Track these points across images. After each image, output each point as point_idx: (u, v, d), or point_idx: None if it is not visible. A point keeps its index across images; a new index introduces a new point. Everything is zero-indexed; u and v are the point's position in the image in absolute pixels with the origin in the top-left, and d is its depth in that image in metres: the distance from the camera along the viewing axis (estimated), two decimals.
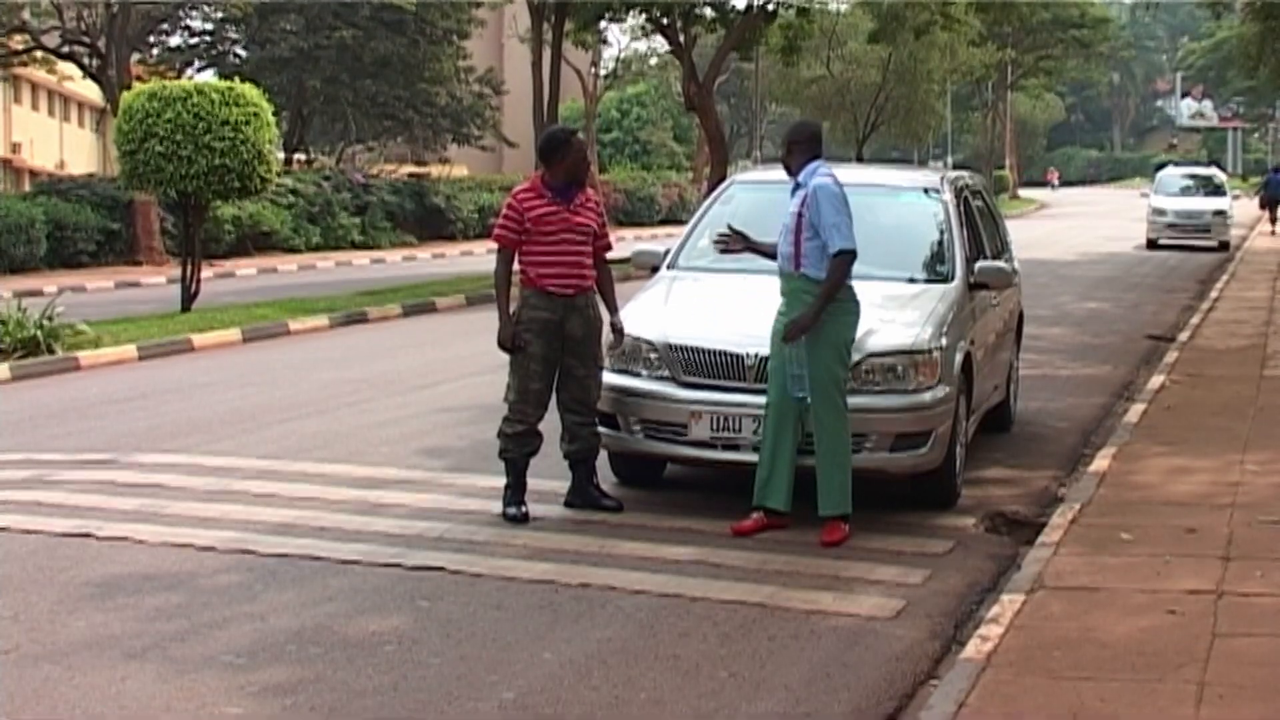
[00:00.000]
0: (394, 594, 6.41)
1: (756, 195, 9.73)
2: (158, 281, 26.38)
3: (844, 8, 46.57)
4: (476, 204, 41.00)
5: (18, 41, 34.82)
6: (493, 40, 57.33)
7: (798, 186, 7.46)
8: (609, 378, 7.90)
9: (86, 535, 7.33)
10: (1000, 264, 9.34)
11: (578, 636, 5.86)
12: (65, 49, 33.56)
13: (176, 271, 21.07)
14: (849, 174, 9.86)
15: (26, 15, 33.38)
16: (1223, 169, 45.93)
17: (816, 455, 7.27)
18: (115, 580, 6.61)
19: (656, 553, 7.03)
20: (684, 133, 63.77)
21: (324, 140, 50.71)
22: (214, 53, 44.01)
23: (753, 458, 7.56)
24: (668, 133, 64.79)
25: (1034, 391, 11.81)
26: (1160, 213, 33.91)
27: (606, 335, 7.92)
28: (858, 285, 8.39)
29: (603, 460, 8.13)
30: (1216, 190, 35.08)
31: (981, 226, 9.69)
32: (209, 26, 43.77)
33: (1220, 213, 33.46)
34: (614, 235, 8.37)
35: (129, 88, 21.64)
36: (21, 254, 27.58)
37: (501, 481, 8.00)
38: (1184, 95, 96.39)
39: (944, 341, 7.81)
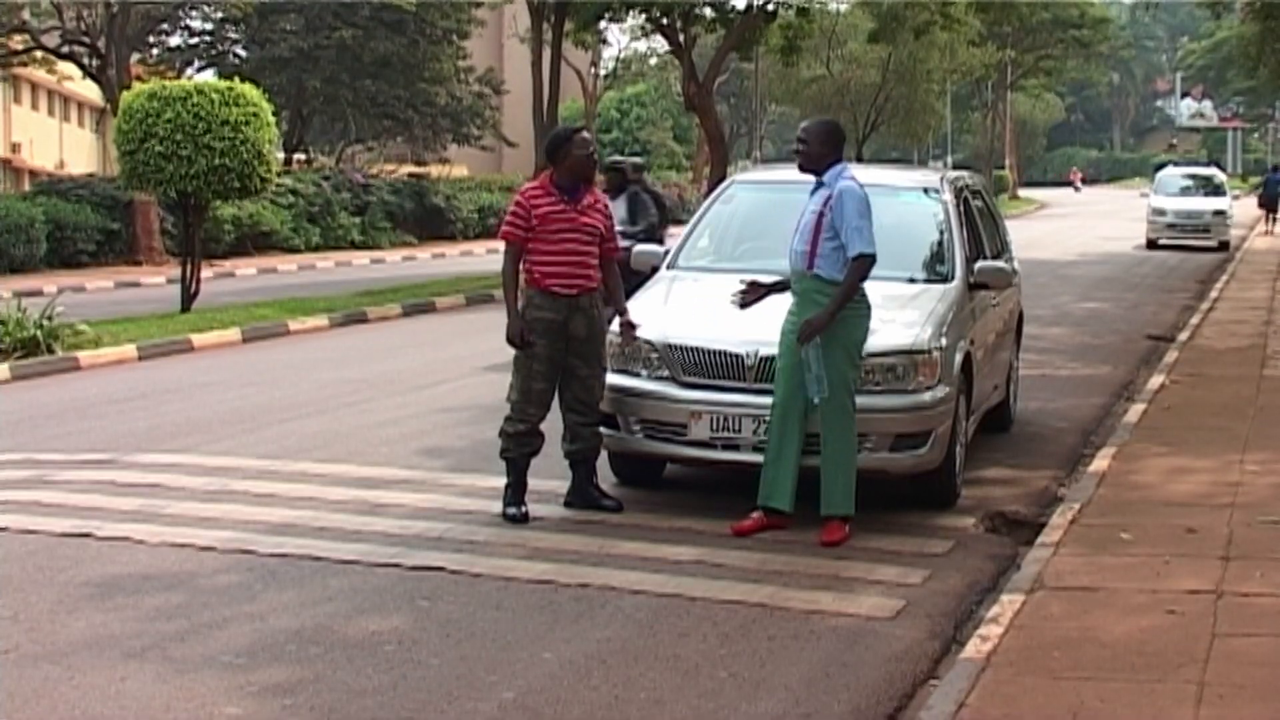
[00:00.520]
0: (394, 594, 6.41)
1: (756, 195, 9.74)
2: (157, 281, 26.37)
3: (844, 8, 46.58)
4: (476, 204, 41.01)
5: (17, 41, 34.80)
6: (493, 40, 57.30)
7: (819, 186, 7.42)
8: (609, 378, 7.90)
9: (86, 535, 7.33)
10: (1000, 264, 9.34)
11: (577, 636, 5.86)
12: (65, 49, 33.54)
13: (176, 271, 21.07)
14: None
15: (26, 15, 33.37)
16: (1222, 169, 45.92)
17: (822, 456, 7.27)
18: (115, 580, 6.61)
19: (656, 553, 7.03)
20: (684, 133, 63.76)
21: (324, 140, 50.70)
22: (214, 53, 44.00)
23: (752, 458, 7.56)
24: (668, 133, 64.78)
25: (1034, 391, 11.81)
26: (1160, 213, 33.92)
27: (611, 335, 7.90)
28: None
29: (603, 460, 8.13)
30: (1216, 190, 35.09)
31: (981, 226, 9.69)
32: (209, 26, 43.75)
33: (1220, 213, 33.47)
34: None
35: (129, 88, 21.64)
36: (21, 254, 27.58)
37: (501, 481, 8.00)
38: (1184, 95, 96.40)
39: (944, 341, 7.81)
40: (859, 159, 43.70)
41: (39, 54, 35.13)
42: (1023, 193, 74.12)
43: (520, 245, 7.70)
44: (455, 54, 45.02)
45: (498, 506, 7.79)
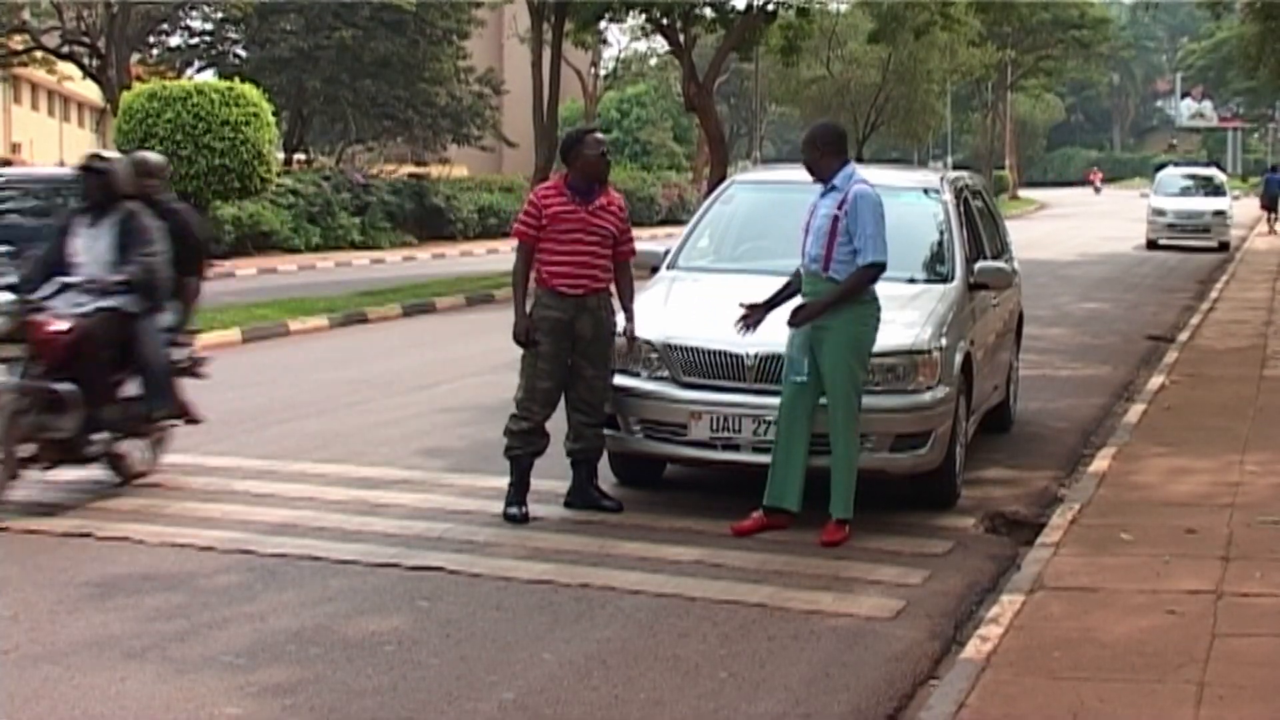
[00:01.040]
0: (393, 594, 6.41)
1: (756, 195, 9.74)
2: None
3: (844, 8, 46.62)
4: (476, 204, 41.01)
5: (18, 42, 34.86)
6: (493, 40, 57.30)
7: (831, 189, 7.40)
8: None
9: (86, 535, 7.33)
10: (1000, 264, 9.34)
11: (577, 637, 5.86)
12: (65, 49, 33.60)
13: None
14: None
15: (26, 15, 33.41)
16: (1222, 169, 45.89)
17: (832, 457, 7.26)
18: (115, 580, 6.61)
19: (656, 553, 7.03)
20: (684, 133, 63.73)
21: (324, 140, 50.71)
22: (214, 53, 43.99)
23: (752, 458, 7.56)
24: (667, 133, 64.75)
25: (1034, 392, 11.81)
26: (1160, 213, 33.92)
27: (619, 338, 7.90)
28: None
29: (602, 460, 8.13)
30: (1216, 191, 35.09)
31: (981, 227, 9.69)
32: (209, 27, 43.77)
33: (1220, 213, 33.47)
34: None
35: (129, 88, 21.69)
36: None
37: (501, 481, 8.00)
38: (1184, 96, 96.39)
39: (944, 342, 7.81)
40: (859, 159, 43.66)
41: (39, 54, 35.20)
42: (1033, 193, 74.12)
43: (532, 244, 7.72)
44: (455, 54, 45.03)
45: (498, 507, 7.79)
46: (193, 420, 8.74)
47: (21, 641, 5.75)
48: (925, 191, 9.24)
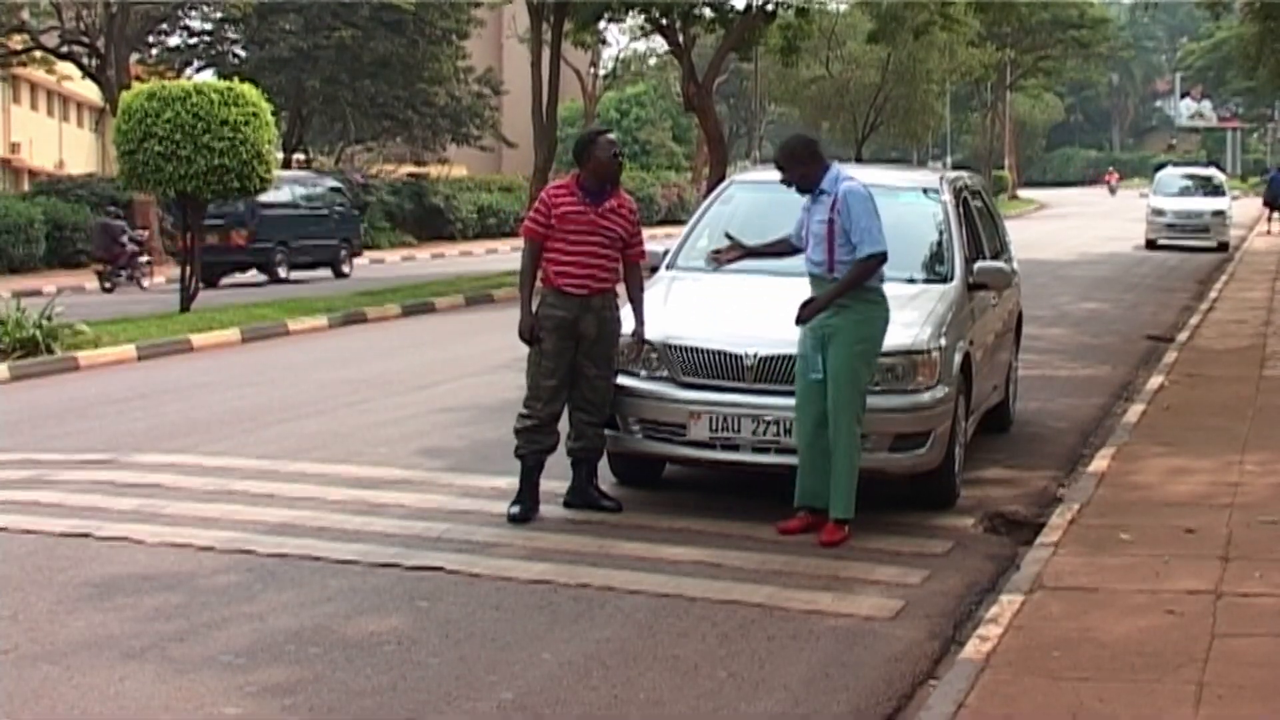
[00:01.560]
0: (393, 594, 6.41)
1: (756, 195, 9.73)
2: (157, 281, 26.37)
3: (843, 8, 46.61)
4: (475, 204, 41.07)
5: (17, 41, 34.84)
6: (492, 40, 57.33)
7: (821, 193, 7.40)
8: None
9: (85, 535, 7.33)
10: (999, 264, 9.34)
11: (577, 637, 5.86)
12: (64, 49, 33.59)
13: (175, 271, 21.08)
14: (849, 174, 9.85)
15: (26, 15, 33.39)
16: (1222, 169, 45.92)
17: (833, 457, 7.25)
18: (114, 580, 6.61)
19: (655, 553, 7.03)
20: (683, 133, 63.78)
21: (323, 140, 50.71)
22: (213, 53, 44.01)
23: (752, 458, 7.57)
24: (667, 133, 64.80)
25: (1033, 392, 11.81)
26: (1159, 213, 33.91)
27: (624, 340, 7.89)
28: None
29: (602, 460, 8.13)
30: (1215, 191, 35.08)
31: (980, 227, 9.69)
32: (208, 26, 43.78)
33: (1219, 213, 33.46)
34: None
35: (128, 87, 21.66)
36: (20, 254, 27.61)
37: (500, 481, 8.02)
38: (1183, 96, 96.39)
39: (943, 342, 7.81)
40: (859, 159, 43.71)
41: (38, 54, 35.18)
42: (1036, 193, 74.07)
43: (540, 242, 7.71)
44: (455, 54, 45.05)
45: (497, 507, 7.79)
46: None
47: (21, 641, 5.75)
48: (924, 191, 9.24)
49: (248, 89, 18.54)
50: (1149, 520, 7.41)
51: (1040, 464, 9.43)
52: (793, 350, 7.55)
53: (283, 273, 27.10)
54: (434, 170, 47.00)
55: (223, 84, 18.76)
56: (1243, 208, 42.91)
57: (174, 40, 43.60)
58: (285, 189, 27.27)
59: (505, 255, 29.65)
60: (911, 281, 8.48)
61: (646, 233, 8.76)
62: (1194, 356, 13.89)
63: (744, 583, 6.58)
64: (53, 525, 7.51)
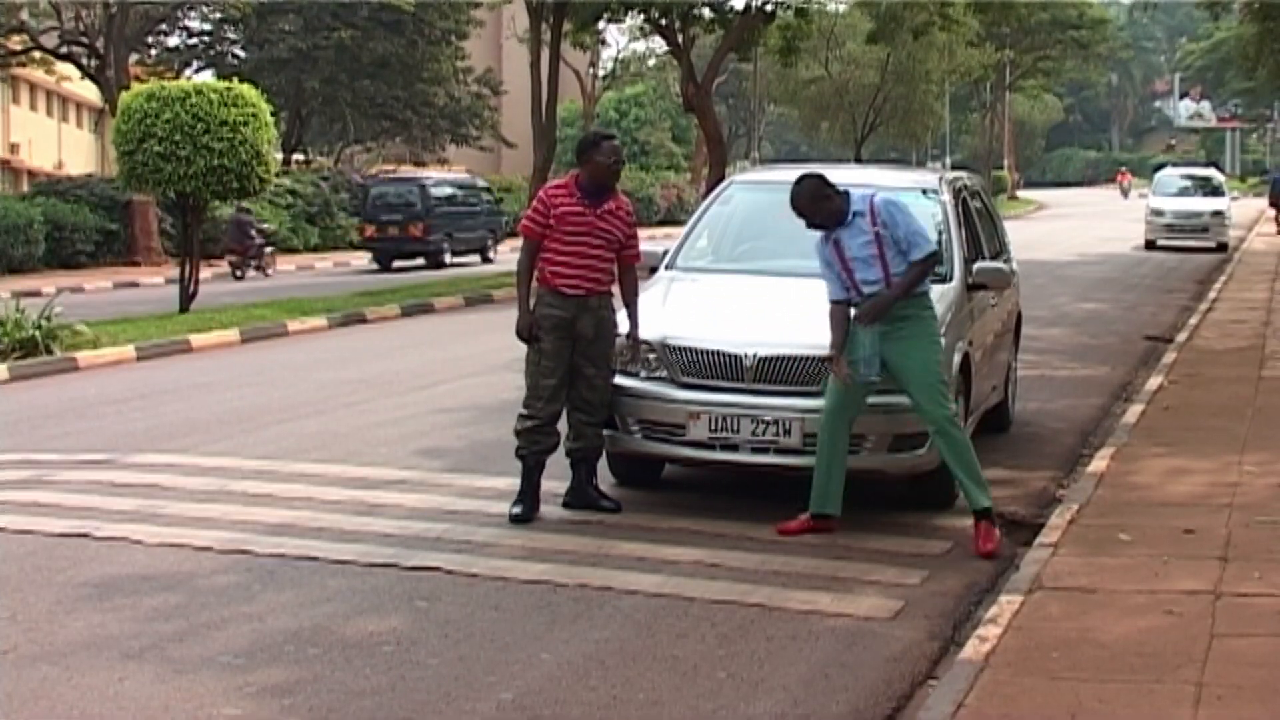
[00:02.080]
0: (392, 594, 6.41)
1: (755, 195, 9.73)
2: (156, 282, 26.40)
3: (842, 8, 46.60)
4: None
5: (16, 42, 34.83)
6: (491, 41, 57.32)
7: (856, 215, 7.31)
8: None
9: (84, 536, 7.33)
10: (998, 265, 9.34)
11: (576, 637, 5.86)
12: (63, 49, 33.57)
13: (175, 272, 21.10)
14: (847, 175, 9.86)
15: (25, 15, 33.37)
16: (1221, 170, 45.92)
17: (946, 456, 7.24)
18: (113, 581, 6.61)
19: (655, 553, 7.02)
20: (682, 133, 63.78)
21: (322, 141, 50.74)
22: (212, 53, 44.04)
23: (750, 458, 7.57)
24: (666, 133, 64.79)
25: (1032, 392, 11.81)
26: (1158, 213, 33.91)
27: (620, 341, 7.90)
28: None
29: (601, 461, 8.13)
30: (1215, 191, 35.08)
31: (980, 227, 9.68)
32: (207, 27, 43.82)
33: (1218, 213, 33.46)
34: None
35: (127, 88, 21.66)
36: (20, 254, 27.59)
37: (499, 481, 8.03)
38: (1182, 96, 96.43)
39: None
40: (858, 159, 43.74)
41: (37, 54, 35.16)
42: (1038, 194, 74.07)
43: (538, 241, 7.72)
44: (454, 54, 45.08)
45: (496, 507, 7.79)
46: None
47: (20, 642, 5.75)
48: (923, 192, 9.23)
49: (247, 89, 18.54)
50: (1148, 521, 7.41)
51: (1039, 464, 9.43)
52: (792, 351, 7.56)
53: (447, 259, 30.59)
54: (433, 170, 46.99)
55: (222, 84, 18.76)
56: (1242, 208, 42.92)
57: (173, 41, 43.66)
58: (448, 188, 32.39)
59: (505, 255, 29.67)
60: None
61: (645, 233, 8.75)
62: (1193, 357, 13.89)
63: (743, 583, 6.58)
64: (52, 525, 7.51)
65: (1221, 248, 32.49)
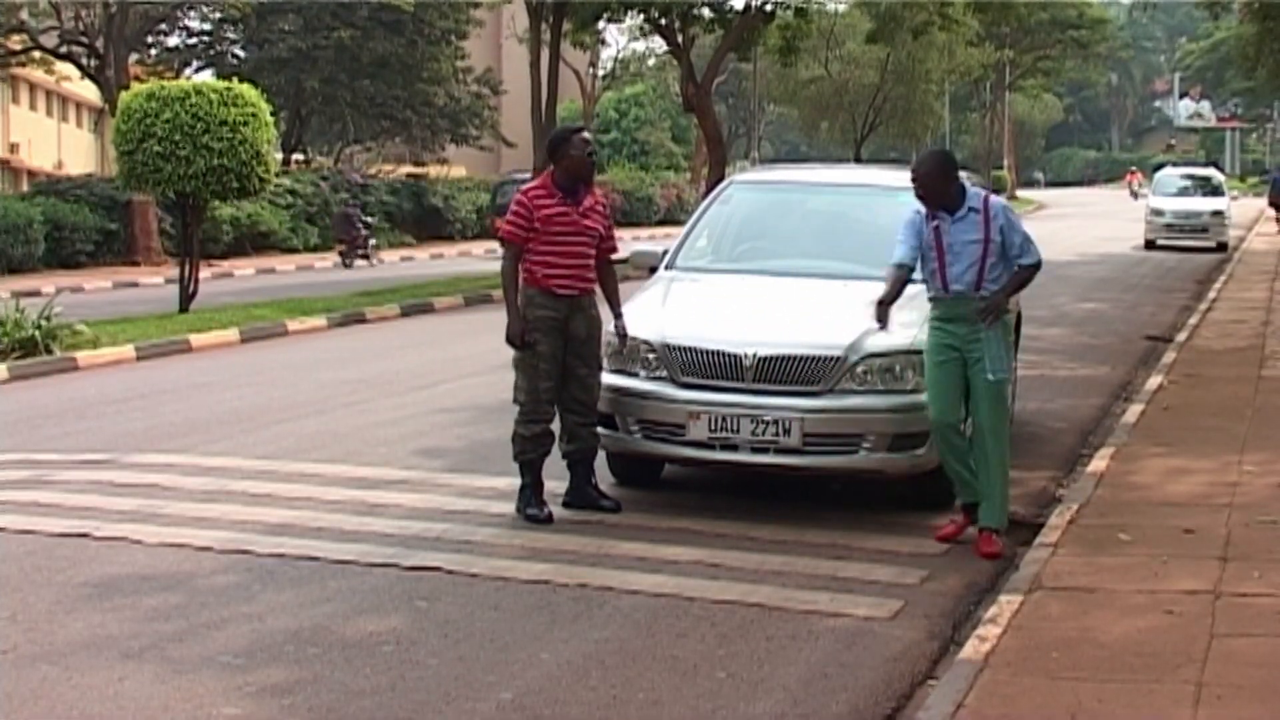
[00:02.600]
0: (392, 594, 6.41)
1: (755, 196, 9.74)
2: (156, 282, 26.39)
3: (842, 8, 46.59)
4: (474, 204, 41.04)
5: (15, 41, 34.82)
6: (491, 40, 57.32)
7: (970, 211, 7.26)
8: (607, 378, 7.91)
9: (84, 535, 7.33)
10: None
11: (575, 637, 5.86)
12: (63, 49, 33.56)
13: (174, 272, 21.09)
14: (847, 175, 9.89)
15: (24, 15, 33.36)
16: (1221, 170, 45.91)
17: (982, 461, 7.21)
18: (113, 580, 6.61)
19: (654, 553, 7.03)
20: (682, 133, 63.77)
21: (322, 140, 50.74)
22: (212, 53, 44.03)
23: (750, 458, 7.56)
24: (666, 133, 64.79)
25: (1032, 392, 11.81)
26: (1158, 213, 33.90)
27: (608, 336, 7.92)
28: (855, 285, 8.40)
29: (601, 461, 8.13)
30: (1214, 191, 35.06)
31: None
32: (207, 27, 43.81)
33: (1218, 213, 33.44)
34: None
35: (127, 88, 21.67)
36: (20, 254, 27.59)
37: (499, 481, 8.01)
38: (1182, 96, 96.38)
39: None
40: (857, 159, 43.73)
41: (37, 54, 35.15)
42: (1039, 194, 74.06)
43: (521, 245, 7.69)
44: (453, 54, 45.07)
45: (496, 507, 7.79)
46: None
47: (19, 642, 5.75)
48: None
49: (247, 89, 18.54)
50: (1148, 520, 7.41)
51: (1039, 464, 9.42)
52: (792, 351, 7.55)
53: None
54: (433, 170, 47.01)
55: (222, 84, 18.76)
56: (1241, 208, 42.90)
57: (173, 40, 43.65)
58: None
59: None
60: (911, 282, 8.47)
61: (645, 232, 8.70)
62: (1193, 357, 13.89)
63: (742, 583, 6.58)
64: (51, 525, 7.51)
65: (1221, 247, 32.48)
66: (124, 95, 19.04)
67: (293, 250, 34.30)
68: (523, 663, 5.54)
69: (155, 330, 16.35)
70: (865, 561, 6.97)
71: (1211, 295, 20.61)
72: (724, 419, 7.56)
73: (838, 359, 7.53)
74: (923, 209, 7.27)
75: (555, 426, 7.81)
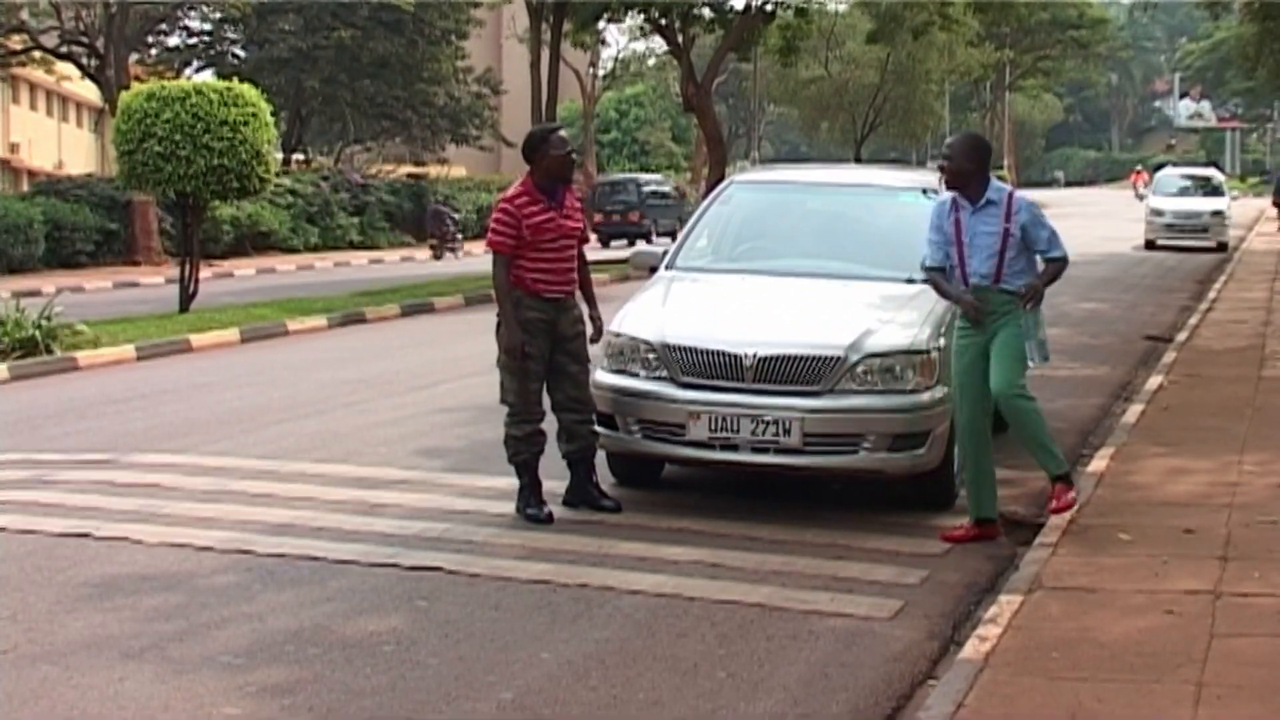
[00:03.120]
0: (392, 594, 6.41)
1: (755, 196, 9.74)
2: (156, 282, 26.39)
3: (842, 8, 46.64)
4: (475, 204, 41.04)
5: (16, 41, 34.83)
6: (491, 40, 57.34)
7: (988, 203, 7.29)
8: (607, 378, 7.91)
9: (85, 535, 7.33)
10: None
11: (576, 637, 5.86)
12: (64, 49, 33.57)
13: (175, 272, 21.09)
14: (847, 175, 9.89)
15: (25, 15, 33.37)
16: (1221, 170, 45.93)
17: (1020, 430, 7.38)
18: (113, 580, 6.61)
19: (655, 553, 7.03)
20: (682, 133, 63.80)
21: (322, 140, 50.75)
22: (212, 53, 44.04)
23: (750, 458, 7.55)
24: (666, 133, 64.82)
25: (1032, 392, 11.77)
26: (1158, 213, 33.90)
27: (607, 336, 7.93)
28: (855, 285, 8.41)
29: (601, 461, 8.13)
30: (1214, 191, 35.07)
31: None
32: (207, 27, 43.83)
33: (1218, 213, 33.44)
34: None
35: (127, 88, 21.67)
36: (20, 254, 27.59)
37: (499, 481, 8.00)
38: (1182, 96, 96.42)
39: (942, 342, 7.81)
40: (857, 159, 43.74)
41: (37, 54, 35.16)
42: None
43: (510, 254, 7.65)
44: (454, 54, 45.08)
45: (496, 507, 7.79)
46: None
47: (20, 641, 5.75)
48: (924, 192, 9.23)
49: (247, 89, 18.54)
50: (1148, 520, 7.42)
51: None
52: (792, 350, 7.55)
53: (653, 238, 37.40)
54: (433, 170, 47.01)
55: (222, 84, 18.76)
56: (1242, 208, 42.89)
57: (173, 40, 43.66)
58: (652, 185, 42.05)
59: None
60: (910, 282, 8.48)
61: None
62: (1193, 357, 13.90)
63: (743, 583, 6.58)
64: (52, 525, 7.51)
65: (1221, 247, 32.48)
66: (124, 95, 19.04)
67: (293, 250, 34.31)
68: (523, 663, 5.54)
69: (155, 330, 16.34)
70: (865, 561, 6.97)
71: (1211, 295, 20.61)
72: (724, 419, 7.56)
73: (838, 359, 7.53)
74: (946, 197, 7.35)
75: (544, 426, 7.80)
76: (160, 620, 6.04)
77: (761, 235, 9.34)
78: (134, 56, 37.03)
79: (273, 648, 5.70)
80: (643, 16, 29.45)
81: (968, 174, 7.28)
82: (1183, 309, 19.52)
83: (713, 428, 7.59)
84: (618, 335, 7.98)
